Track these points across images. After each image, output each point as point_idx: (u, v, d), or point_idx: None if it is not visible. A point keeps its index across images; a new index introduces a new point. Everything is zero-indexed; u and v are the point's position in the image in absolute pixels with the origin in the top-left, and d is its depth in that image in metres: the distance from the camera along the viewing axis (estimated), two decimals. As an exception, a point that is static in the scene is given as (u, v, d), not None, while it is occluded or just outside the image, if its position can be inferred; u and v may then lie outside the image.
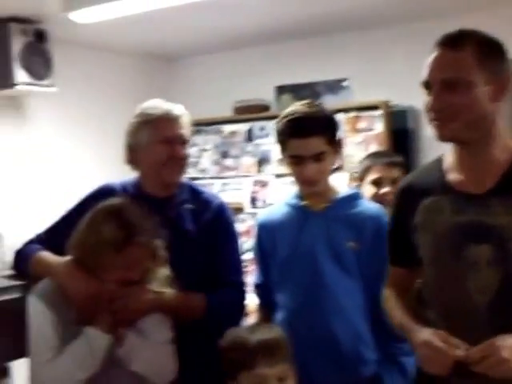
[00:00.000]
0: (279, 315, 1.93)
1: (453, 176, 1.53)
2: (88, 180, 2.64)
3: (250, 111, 4.07)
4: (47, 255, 1.83)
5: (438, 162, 1.59)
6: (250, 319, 2.14)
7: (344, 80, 3.83)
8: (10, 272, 1.93)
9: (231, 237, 2.00)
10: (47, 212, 2.39)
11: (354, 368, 1.85)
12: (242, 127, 4.11)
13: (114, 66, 4.21)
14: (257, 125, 4.04)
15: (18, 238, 1.96)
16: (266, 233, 2.00)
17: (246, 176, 4.08)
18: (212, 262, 1.93)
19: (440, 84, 1.44)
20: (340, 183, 2.10)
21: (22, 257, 1.89)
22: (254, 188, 4.07)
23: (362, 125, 3.63)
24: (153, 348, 1.68)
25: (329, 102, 3.50)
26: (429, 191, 1.54)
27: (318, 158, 1.84)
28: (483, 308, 1.44)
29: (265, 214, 2.08)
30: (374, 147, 3.50)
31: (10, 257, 1.96)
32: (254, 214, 3.88)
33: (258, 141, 4.04)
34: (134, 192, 1.96)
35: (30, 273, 1.83)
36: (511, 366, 1.31)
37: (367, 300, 1.86)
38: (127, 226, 1.61)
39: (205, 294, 1.86)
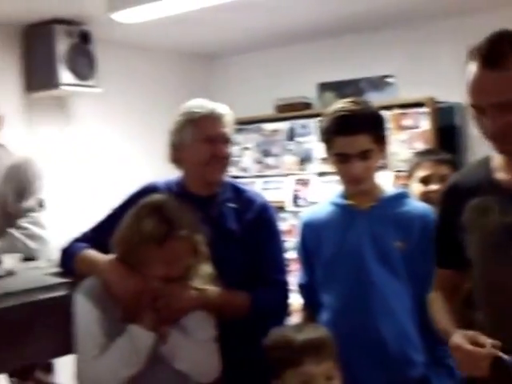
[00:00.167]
0: (324, 315, 1.91)
1: (501, 175, 1.50)
2: (133, 177, 2.67)
3: (292, 109, 4.04)
4: (92, 253, 1.85)
5: (486, 160, 1.56)
6: (294, 319, 2.12)
7: (389, 76, 3.77)
8: (56, 270, 1.95)
9: (274, 236, 1.99)
10: (93, 210, 2.42)
11: (400, 369, 1.82)
12: (284, 125, 4.08)
13: (156, 65, 4.25)
14: (298, 123, 4.01)
15: (64, 237, 1.99)
16: (311, 232, 1.98)
17: (288, 174, 4.06)
18: (255, 261, 1.92)
19: (493, 108, 1.39)
20: (385, 182, 2.06)
21: (68, 255, 1.91)
22: (295, 186, 4.04)
23: (407, 122, 3.57)
24: (196, 346, 1.68)
25: (372, 98, 3.44)
26: (476, 190, 1.52)
27: (365, 155, 1.81)
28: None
29: (309, 212, 2.06)
30: (419, 145, 3.45)
31: (56, 255, 2.00)
32: (295, 213, 3.87)
33: (299, 139, 4.01)
34: (177, 191, 1.97)
35: (76, 271, 1.85)
36: None
37: (415, 302, 1.82)
38: (168, 221, 1.62)
39: (248, 292, 1.85)
